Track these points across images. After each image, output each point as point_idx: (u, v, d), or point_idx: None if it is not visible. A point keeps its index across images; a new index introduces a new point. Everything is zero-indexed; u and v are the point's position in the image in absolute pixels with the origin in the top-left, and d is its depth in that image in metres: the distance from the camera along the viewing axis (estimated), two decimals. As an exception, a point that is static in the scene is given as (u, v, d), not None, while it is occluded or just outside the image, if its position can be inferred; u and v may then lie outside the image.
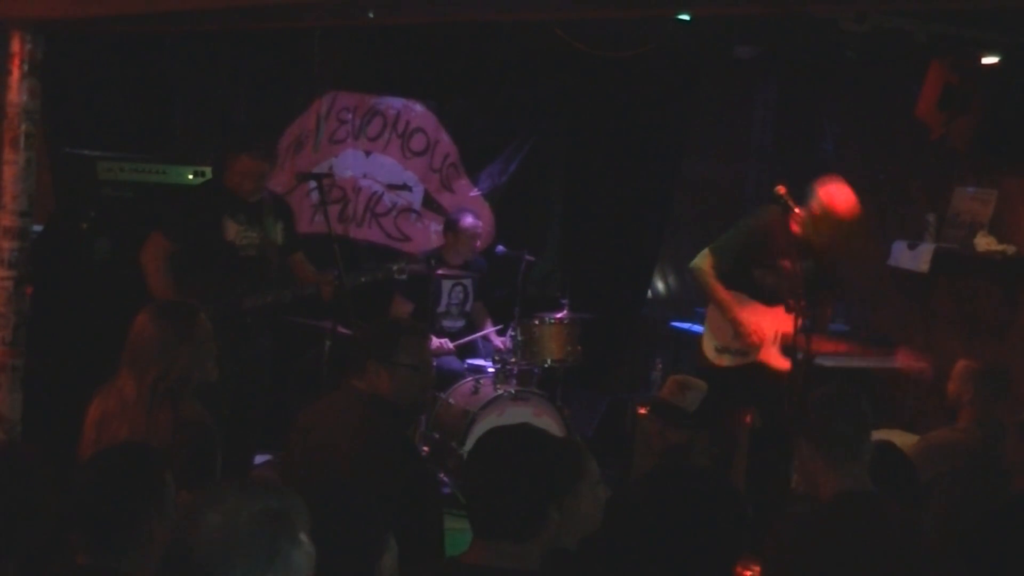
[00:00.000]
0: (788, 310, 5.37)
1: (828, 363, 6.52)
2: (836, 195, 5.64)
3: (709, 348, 5.88)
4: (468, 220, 6.96)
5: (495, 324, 7.16)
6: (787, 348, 5.56)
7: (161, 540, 2.66)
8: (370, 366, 3.77)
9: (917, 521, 3.41)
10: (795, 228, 5.59)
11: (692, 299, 8.06)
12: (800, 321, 5.21)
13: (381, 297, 6.78)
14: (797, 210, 5.55)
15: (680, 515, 3.83)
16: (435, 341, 6.70)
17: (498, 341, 7.02)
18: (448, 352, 6.86)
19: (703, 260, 5.83)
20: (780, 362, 5.70)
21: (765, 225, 5.77)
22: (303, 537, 1.99)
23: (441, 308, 6.97)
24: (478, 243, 7.03)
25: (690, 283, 8.39)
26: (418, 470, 3.73)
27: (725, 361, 5.81)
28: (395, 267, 5.94)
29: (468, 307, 7.10)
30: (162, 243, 5.47)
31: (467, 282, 7.04)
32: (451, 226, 7.02)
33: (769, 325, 5.76)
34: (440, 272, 6.70)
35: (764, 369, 5.76)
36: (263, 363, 5.72)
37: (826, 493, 3.34)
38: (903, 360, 5.87)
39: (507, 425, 2.92)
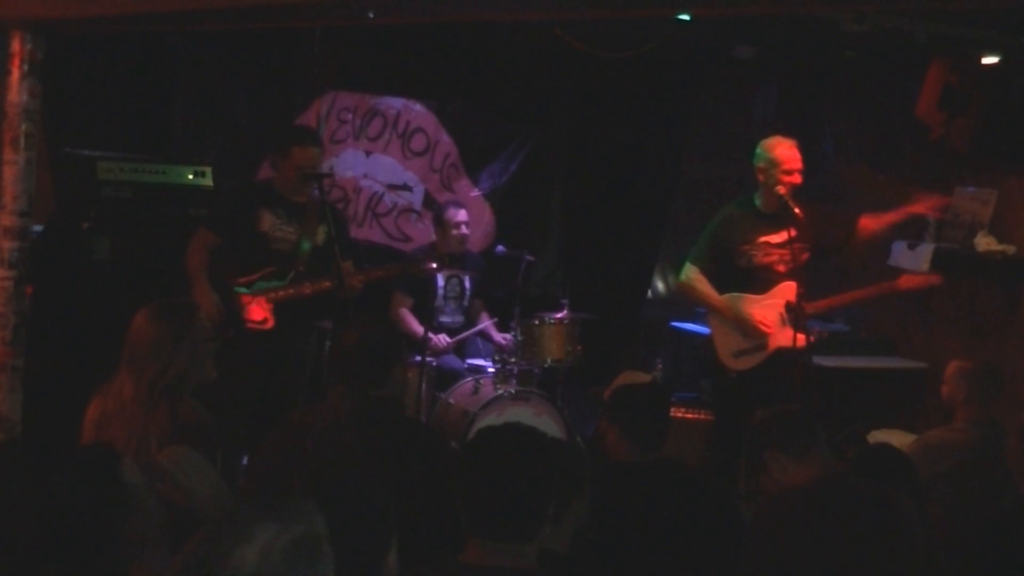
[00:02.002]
0: (792, 279, 5.56)
1: (828, 363, 6.54)
2: (770, 142, 5.74)
3: (727, 356, 5.80)
4: (450, 210, 6.94)
5: (495, 324, 7.15)
6: (793, 321, 5.59)
7: (137, 534, 2.66)
8: (396, 370, 3.85)
9: (893, 497, 3.49)
10: (799, 213, 5.56)
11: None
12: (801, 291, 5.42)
13: (380, 295, 6.78)
14: (797, 210, 5.55)
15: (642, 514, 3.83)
16: (432, 338, 6.70)
17: (499, 337, 7.01)
18: (446, 350, 6.85)
19: (687, 272, 5.85)
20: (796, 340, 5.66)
21: (726, 217, 5.84)
22: (326, 548, 2.04)
23: (437, 301, 6.94)
24: (460, 231, 6.91)
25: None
26: (448, 464, 3.78)
27: (745, 363, 5.75)
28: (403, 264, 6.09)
29: (466, 302, 7.09)
30: (207, 235, 5.67)
31: (463, 276, 7.03)
32: (437, 218, 7.02)
33: (771, 311, 5.72)
34: (434, 266, 6.67)
35: (773, 366, 5.73)
36: (298, 366, 5.78)
37: (798, 480, 3.56)
38: (921, 204, 5.85)
39: (503, 424, 2.91)
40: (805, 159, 5.77)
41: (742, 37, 6.95)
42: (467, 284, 7.08)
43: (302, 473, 3.65)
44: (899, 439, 5.61)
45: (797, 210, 5.50)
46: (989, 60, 6.03)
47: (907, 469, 3.98)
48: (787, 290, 5.70)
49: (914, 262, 6.86)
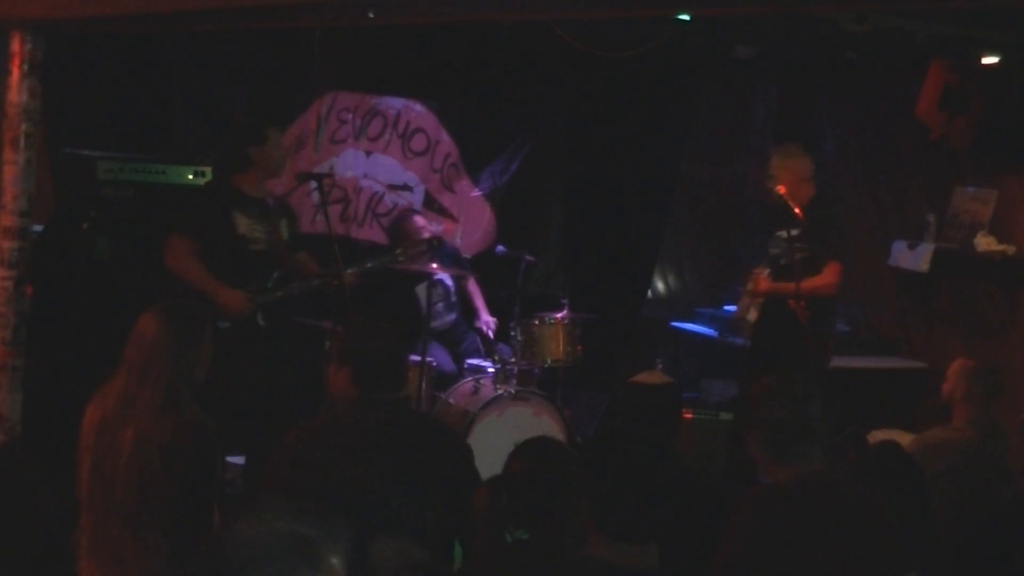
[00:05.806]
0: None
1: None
2: (778, 151, 6.04)
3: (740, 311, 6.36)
4: (411, 219, 7.09)
5: (489, 313, 7.22)
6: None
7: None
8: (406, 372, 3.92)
9: (876, 498, 3.43)
10: (798, 211, 5.75)
11: (692, 299, 8.08)
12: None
13: (377, 298, 6.78)
14: (797, 210, 5.62)
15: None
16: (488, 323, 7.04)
17: (484, 323, 7.08)
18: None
19: None
20: (751, 315, 6.17)
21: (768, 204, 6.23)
22: (334, 562, 1.95)
23: (424, 312, 6.95)
24: (414, 223, 7.03)
25: (690, 283, 8.44)
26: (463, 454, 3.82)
27: (753, 315, 6.20)
28: (398, 251, 6.01)
29: (453, 298, 7.10)
30: (183, 243, 5.36)
31: (443, 277, 7.02)
32: (401, 230, 7.05)
33: (755, 291, 6.11)
34: (434, 265, 6.67)
35: (784, 326, 5.89)
36: (284, 364, 5.71)
37: (780, 479, 3.38)
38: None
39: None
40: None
41: (742, 37, 6.94)
42: (447, 282, 7.07)
43: (329, 483, 3.57)
44: (899, 439, 5.61)
45: (797, 210, 5.63)
46: (989, 60, 6.03)
47: (911, 468, 3.97)
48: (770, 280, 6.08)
49: (914, 262, 6.86)
